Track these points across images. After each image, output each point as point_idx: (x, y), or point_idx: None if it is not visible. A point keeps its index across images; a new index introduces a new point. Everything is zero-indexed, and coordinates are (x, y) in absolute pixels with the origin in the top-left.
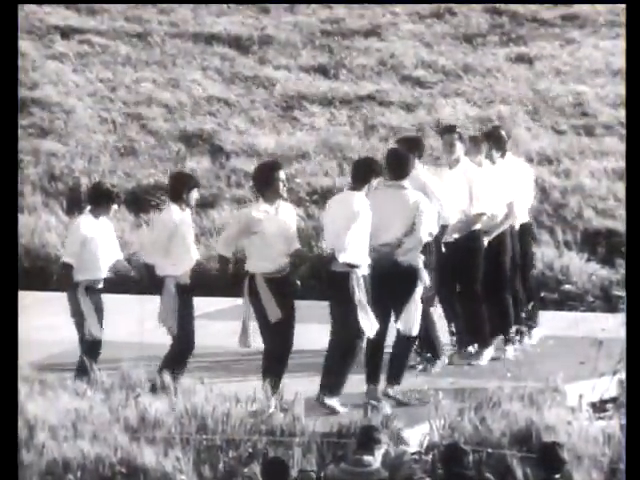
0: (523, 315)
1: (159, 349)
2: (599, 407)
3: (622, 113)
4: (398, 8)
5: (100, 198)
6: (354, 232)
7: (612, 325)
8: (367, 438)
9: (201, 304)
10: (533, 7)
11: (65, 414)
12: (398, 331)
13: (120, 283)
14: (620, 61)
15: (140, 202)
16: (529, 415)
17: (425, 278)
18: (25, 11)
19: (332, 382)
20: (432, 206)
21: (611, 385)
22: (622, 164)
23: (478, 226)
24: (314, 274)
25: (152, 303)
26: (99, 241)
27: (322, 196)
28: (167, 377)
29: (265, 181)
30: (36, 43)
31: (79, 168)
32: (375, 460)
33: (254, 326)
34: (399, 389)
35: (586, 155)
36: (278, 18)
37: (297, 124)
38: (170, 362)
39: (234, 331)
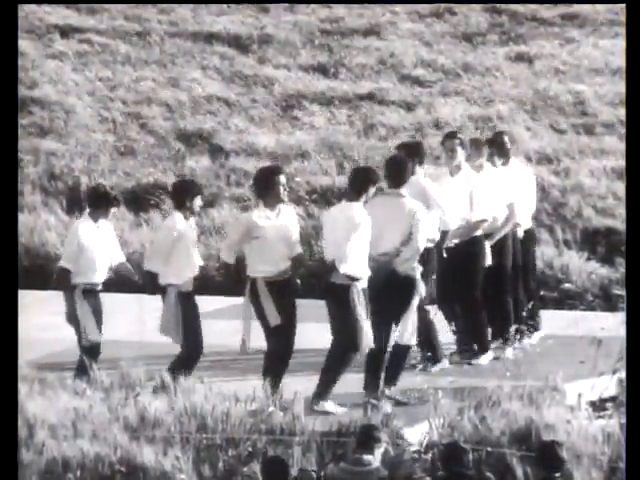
0: (524, 314)
1: (159, 348)
2: (598, 406)
3: (621, 112)
4: (398, 7)
5: (99, 201)
6: (354, 243)
7: (612, 324)
8: (367, 437)
9: (201, 303)
10: (533, 6)
11: (65, 413)
12: (395, 340)
13: (120, 283)
14: (619, 60)
15: (140, 201)
16: (529, 414)
17: (421, 289)
18: (25, 10)
19: (321, 388)
20: (430, 213)
21: (610, 384)
22: (621, 163)
23: (479, 232)
24: (314, 274)
25: (152, 302)
26: (97, 245)
27: (322, 195)
28: (167, 376)
29: (265, 186)
30: (36, 42)
31: (79, 167)
32: (375, 459)
33: (255, 329)
34: (397, 389)
35: (585, 154)
36: (278, 17)
37: (297, 123)
38: (179, 366)
39: (234, 330)
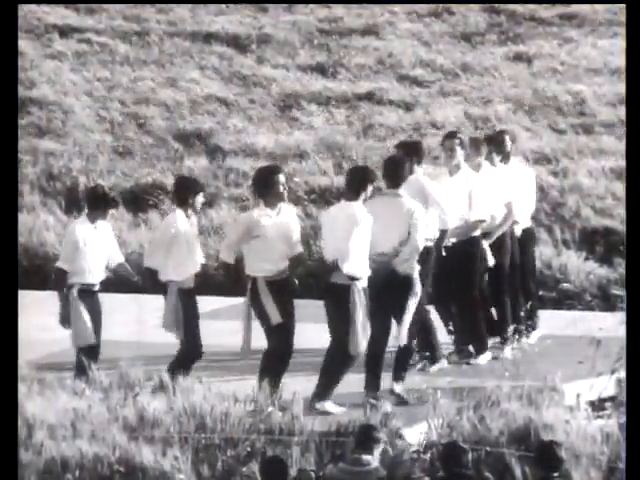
0: (522, 314)
1: (158, 348)
2: (597, 406)
3: (620, 112)
4: (396, 7)
5: (97, 202)
6: (355, 242)
7: (610, 324)
8: (365, 437)
9: (200, 303)
10: (531, 6)
11: (64, 413)
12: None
13: (119, 283)
14: (618, 60)
15: (138, 201)
16: (527, 414)
17: (418, 290)
18: (24, 10)
19: (322, 388)
20: (429, 212)
21: (609, 384)
22: (620, 163)
23: (477, 232)
24: (312, 274)
25: (150, 302)
26: (94, 246)
27: (320, 195)
28: (166, 376)
29: (265, 185)
30: (34, 42)
31: (77, 167)
32: (374, 459)
33: (254, 329)
34: (402, 387)
35: (584, 154)
36: (276, 17)
37: (295, 123)
38: (177, 366)
39: (232, 330)
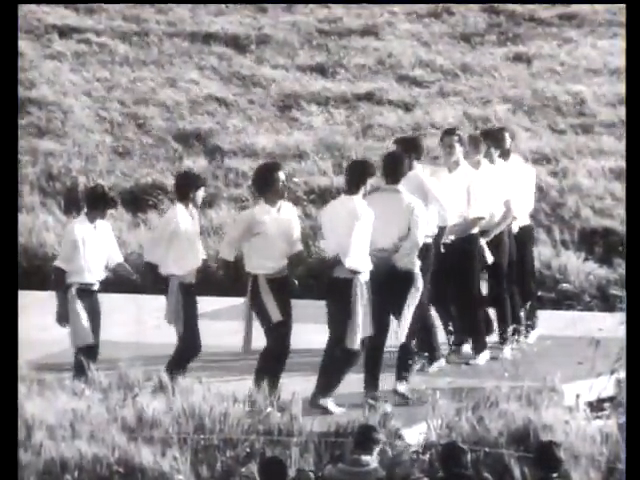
0: (521, 314)
1: (157, 349)
2: (596, 407)
3: (620, 112)
4: (396, 7)
5: (96, 202)
6: (357, 235)
7: (610, 324)
8: (364, 438)
9: (200, 304)
10: (531, 6)
11: (63, 414)
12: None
13: (118, 283)
14: (618, 60)
15: (138, 202)
16: (526, 415)
17: (420, 284)
18: (24, 10)
19: (324, 383)
20: (428, 208)
21: (608, 385)
22: (620, 163)
23: (476, 230)
24: (312, 274)
25: (150, 302)
26: (93, 245)
27: (319, 196)
28: (165, 377)
29: (265, 182)
30: (34, 43)
31: (77, 168)
32: (373, 460)
33: (255, 329)
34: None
35: (584, 154)
36: (276, 17)
37: (294, 123)
38: (175, 363)
39: (232, 331)
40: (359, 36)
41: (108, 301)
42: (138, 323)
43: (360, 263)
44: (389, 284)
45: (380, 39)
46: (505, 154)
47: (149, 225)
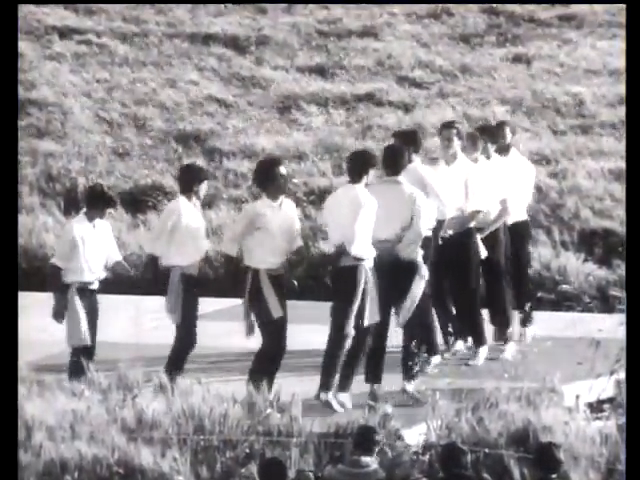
0: (515, 313)
1: (156, 350)
2: (596, 407)
3: (619, 113)
4: (395, 8)
5: (95, 201)
6: (361, 223)
7: (609, 325)
8: (364, 438)
9: (200, 305)
10: (530, 7)
11: (62, 415)
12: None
13: (117, 283)
14: (617, 61)
15: (137, 203)
16: (526, 415)
17: (425, 273)
18: (24, 11)
19: (324, 375)
20: (429, 200)
21: (608, 385)
22: (619, 164)
23: (473, 223)
24: (311, 275)
25: (149, 304)
26: (91, 244)
27: (319, 196)
28: (164, 378)
29: (266, 177)
30: (34, 44)
31: (76, 169)
32: (373, 461)
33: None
34: (394, 391)
35: (583, 155)
36: (275, 18)
37: (294, 124)
38: (172, 361)
39: (232, 331)
40: (358, 37)
41: (107, 302)
42: (137, 324)
43: (365, 250)
44: (393, 275)
45: (379, 40)
46: (505, 149)
47: (148, 226)
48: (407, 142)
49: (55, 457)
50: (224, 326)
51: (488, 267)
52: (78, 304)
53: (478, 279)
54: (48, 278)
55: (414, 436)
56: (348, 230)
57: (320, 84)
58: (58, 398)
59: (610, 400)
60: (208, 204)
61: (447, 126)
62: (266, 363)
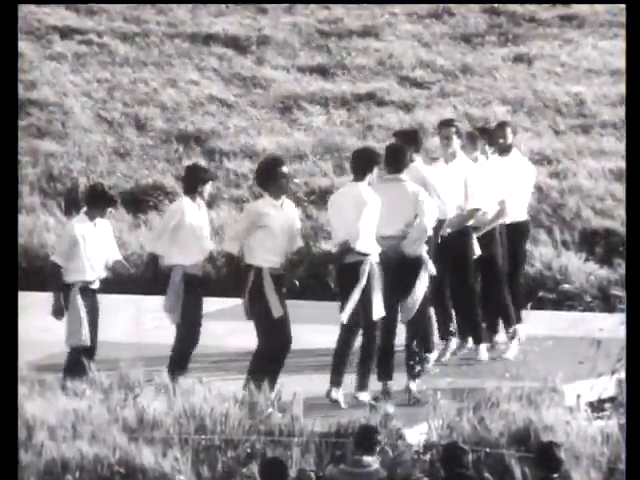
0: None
1: (157, 349)
2: (597, 407)
3: (620, 113)
4: (396, 8)
5: (95, 200)
6: (365, 220)
7: (610, 325)
8: (365, 438)
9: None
10: (531, 7)
11: (64, 414)
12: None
13: (118, 283)
14: (618, 61)
15: (138, 202)
16: (527, 415)
17: (431, 268)
18: (24, 11)
19: (334, 372)
20: (431, 198)
21: (609, 385)
22: (620, 164)
23: (471, 222)
24: (312, 274)
25: (150, 303)
26: (92, 243)
27: (320, 196)
28: (166, 377)
29: (268, 177)
30: (34, 43)
31: (77, 168)
32: (375, 461)
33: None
34: (396, 390)
35: (584, 155)
36: (276, 18)
37: (295, 124)
38: (174, 360)
39: (234, 331)
40: (359, 37)
41: (109, 302)
42: (138, 324)
43: (369, 246)
44: (399, 271)
45: (380, 40)
46: (506, 149)
47: (149, 226)
48: (408, 142)
49: (56, 457)
50: (226, 326)
51: (485, 266)
52: (80, 304)
53: (476, 277)
54: (48, 276)
55: (415, 436)
56: (352, 228)
57: (321, 84)
58: (59, 398)
59: (611, 399)
60: (209, 204)
61: (446, 124)
62: (264, 363)
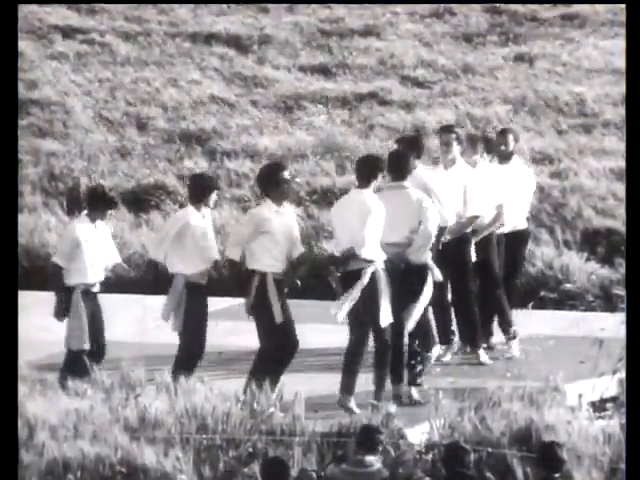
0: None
1: (159, 349)
2: (599, 406)
3: (621, 112)
4: (398, 8)
5: (96, 202)
6: (370, 228)
7: (612, 324)
8: (366, 438)
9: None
10: (533, 7)
11: (65, 414)
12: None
13: (120, 283)
14: (619, 61)
15: (139, 202)
16: (529, 415)
17: (437, 274)
18: (24, 11)
19: (347, 381)
20: (434, 204)
21: (611, 384)
22: (621, 164)
23: (470, 228)
24: (313, 274)
25: (152, 303)
26: (93, 245)
27: (322, 196)
28: (167, 377)
29: (269, 182)
30: (35, 43)
31: (79, 168)
32: (377, 460)
33: (249, 331)
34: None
35: (585, 155)
36: (277, 18)
37: (296, 124)
38: (179, 365)
39: (235, 330)
40: (361, 36)
41: (110, 302)
42: (140, 323)
43: (374, 253)
44: (404, 278)
45: (382, 39)
46: (507, 156)
47: (151, 225)
48: (410, 148)
49: (58, 456)
50: (227, 325)
51: (481, 269)
52: (82, 308)
53: (474, 283)
54: (50, 277)
55: (417, 435)
56: (357, 236)
57: (322, 83)
58: (61, 397)
59: (613, 399)
60: None
61: (446, 130)
62: (266, 365)
